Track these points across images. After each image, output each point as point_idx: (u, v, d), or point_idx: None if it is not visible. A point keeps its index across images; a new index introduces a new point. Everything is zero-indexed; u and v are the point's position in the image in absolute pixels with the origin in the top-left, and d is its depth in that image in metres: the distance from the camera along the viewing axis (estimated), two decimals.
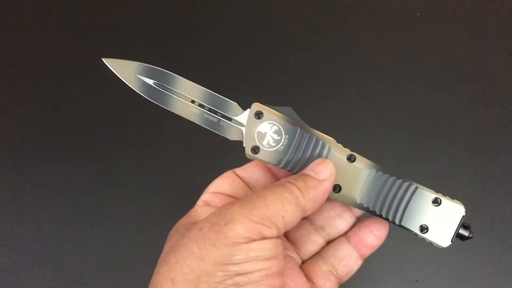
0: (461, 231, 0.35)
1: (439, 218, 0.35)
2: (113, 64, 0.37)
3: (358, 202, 0.36)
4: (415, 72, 0.73)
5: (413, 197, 0.36)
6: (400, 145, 0.69)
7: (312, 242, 0.38)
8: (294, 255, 0.38)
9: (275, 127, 0.37)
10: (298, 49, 0.76)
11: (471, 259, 0.64)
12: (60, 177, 0.70)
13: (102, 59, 0.37)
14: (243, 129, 0.37)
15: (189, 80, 0.38)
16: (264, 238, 0.30)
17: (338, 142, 0.37)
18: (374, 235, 0.37)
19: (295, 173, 0.36)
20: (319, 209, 0.38)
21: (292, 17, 0.77)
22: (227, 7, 0.78)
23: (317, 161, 0.36)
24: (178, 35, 0.77)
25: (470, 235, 0.35)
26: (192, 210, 0.36)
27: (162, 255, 0.32)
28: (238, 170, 0.39)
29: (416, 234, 0.36)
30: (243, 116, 0.37)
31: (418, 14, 0.76)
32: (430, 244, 0.36)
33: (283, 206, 0.31)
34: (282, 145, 0.36)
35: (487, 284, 0.64)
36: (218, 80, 0.72)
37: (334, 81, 0.73)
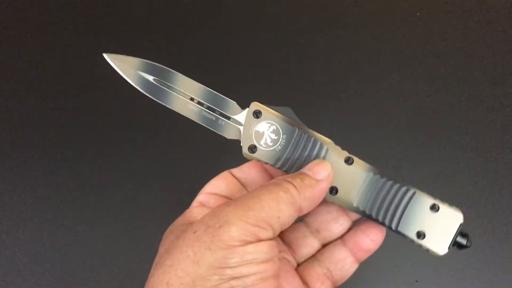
0: (459, 239, 0.35)
1: (436, 225, 0.35)
2: (113, 60, 0.37)
3: (354, 205, 0.36)
4: (415, 72, 0.73)
5: (411, 203, 0.35)
6: (400, 145, 0.69)
7: (308, 245, 0.38)
8: (290, 257, 0.38)
9: (273, 127, 0.36)
10: (297, 49, 0.75)
11: (471, 259, 0.64)
12: (60, 177, 0.70)
13: (103, 54, 0.37)
14: (241, 128, 0.37)
15: (189, 78, 0.37)
16: (259, 240, 0.29)
17: (337, 142, 0.37)
18: (370, 239, 0.36)
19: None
20: (315, 212, 0.38)
21: (291, 17, 0.77)
22: (227, 7, 0.78)
23: (315, 161, 0.35)
24: (178, 34, 0.76)
25: (468, 244, 0.35)
26: (187, 210, 0.36)
27: (157, 258, 0.31)
28: (235, 171, 0.39)
29: (412, 241, 0.35)
30: (242, 115, 0.37)
31: (418, 14, 0.76)
32: (427, 251, 0.35)
33: (279, 206, 0.31)
34: (279, 145, 0.36)
35: (487, 284, 0.64)
36: (217, 79, 0.72)
37: (334, 81, 0.73)
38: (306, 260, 0.38)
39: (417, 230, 0.35)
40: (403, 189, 0.36)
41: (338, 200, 0.36)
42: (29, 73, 0.75)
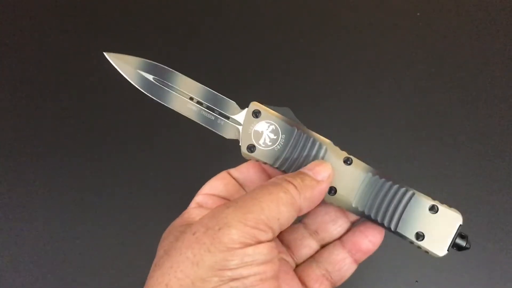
0: (458, 241, 0.35)
1: (435, 226, 0.35)
2: (114, 59, 0.37)
3: (353, 206, 0.36)
4: (415, 72, 0.73)
5: (410, 204, 0.35)
6: (400, 145, 0.69)
7: (306, 246, 0.38)
8: (289, 258, 0.38)
9: (272, 127, 0.36)
10: (297, 49, 0.75)
11: (471, 259, 0.64)
12: (59, 177, 0.70)
13: (104, 53, 0.37)
14: (240, 128, 0.37)
15: (189, 77, 0.37)
16: (259, 242, 0.29)
17: (336, 142, 0.37)
18: (368, 240, 0.36)
19: None
20: (314, 213, 0.38)
21: (292, 17, 0.77)
22: (227, 7, 0.78)
23: (316, 161, 0.35)
24: (178, 34, 0.76)
25: (467, 246, 0.35)
26: (185, 211, 0.36)
27: (155, 259, 0.31)
28: (233, 171, 0.39)
29: (411, 242, 0.35)
30: (241, 115, 0.37)
31: (418, 14, 0.76)
32: (426, 252, 0.35)
33: (278, 208, 0.31)
34: (278, 144, 0.36)
35: (487, 284, 0.64)
36: (216, 79, 0.72)
37: (334, 81, 0.73)
38: (304, 261, 0.38)
39: (416, 231, 0.35)
40: (402, 189, 0.35)
41: (337, 201, 0.36)
42: (29, 73, 0.75)
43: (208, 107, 0.37)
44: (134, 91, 0.37)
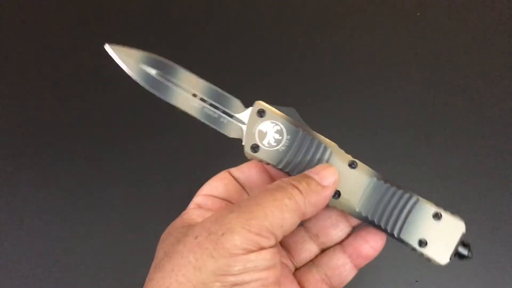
0: (460, 250, 0.35)
1: (438, 234, 0.34)
2: (116, 51, 0.35)
3: (357, 210, 0.35)
4: (415, 72, 0.73)
5: (413, 210, 0.35)
6: (400, 145, 0.69)
7: (306, 250, 0.38)
8: (288, 262, 0.37)
9: (277, 127, 0.35)
10: (299, 49, 0.75)
11: (471, 259, 0.64)
12: (59, 176, 0.70)
13: (105, 45, 0.35)
14: (244, 127, 0.36)
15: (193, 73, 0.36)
16: (262, 248, 0.29)
17: (337, 142, 0.36)
18: (369, 246, 0.36)
19: (293, 175, 0.35)
20: (315, 217, 0.37)
21: (292, 17, 0.77)
22: (232, 5, 0.77)
23: (322, 165, 0.34)
24: (183, 31, 0.76)
25: (469, 255, 0.35)
26: (184, 212, 0.35)
27: (155, 261, 0.31)
28: (234, 170, 0.38)
29: (413, 249, 0.35)
30: (245, 114, 0.36)
31: (418, 14, 0.75)
32: (428, 260, 0.35)
33: (283, 215, 0.30)
34: (283, 145, 0.35)
35: (487, 284, 0.64)
36: (221, 76, 0.71)
37: (334, 81, 0.73)
38: (304, 265, 0.38)
39: (419, 238, 0.35)
40: (406, 195, 0.35)
41: (340, 205, 0.35)
42: (29, 73, 0.74)
43: (211, 105, 0.36)
44: (134, 90, 0.36)
